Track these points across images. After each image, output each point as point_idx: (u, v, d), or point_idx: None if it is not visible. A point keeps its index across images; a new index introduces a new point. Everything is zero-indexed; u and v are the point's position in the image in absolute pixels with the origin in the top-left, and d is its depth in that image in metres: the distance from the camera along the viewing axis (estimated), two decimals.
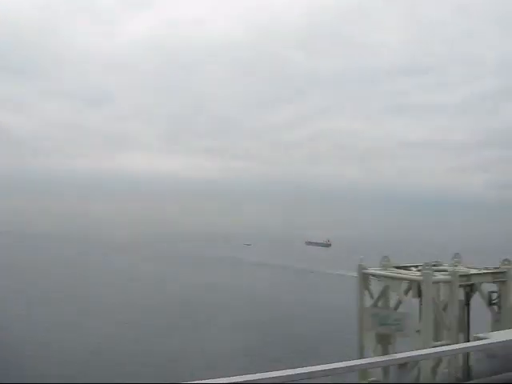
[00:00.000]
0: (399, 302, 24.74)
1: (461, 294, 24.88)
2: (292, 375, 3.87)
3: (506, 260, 25.83)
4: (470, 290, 25.32)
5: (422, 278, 23.29)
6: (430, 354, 5.65)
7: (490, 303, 25.32)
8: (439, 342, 22.23)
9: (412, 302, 23.15)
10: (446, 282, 24.26)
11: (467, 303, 25.38)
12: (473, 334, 20.49)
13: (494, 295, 25.44)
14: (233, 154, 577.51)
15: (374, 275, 24.95)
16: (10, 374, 31.82)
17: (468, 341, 20.61)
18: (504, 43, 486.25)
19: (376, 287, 23.79)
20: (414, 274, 24.93)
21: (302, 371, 3.96)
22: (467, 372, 20.69)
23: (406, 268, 26.35)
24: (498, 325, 23.66)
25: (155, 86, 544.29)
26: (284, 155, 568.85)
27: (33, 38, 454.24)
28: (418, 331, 22.67)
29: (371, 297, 24.77)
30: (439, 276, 24.31)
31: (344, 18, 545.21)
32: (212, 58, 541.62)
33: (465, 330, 24.91)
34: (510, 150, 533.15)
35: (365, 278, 25.51)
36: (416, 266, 25.83)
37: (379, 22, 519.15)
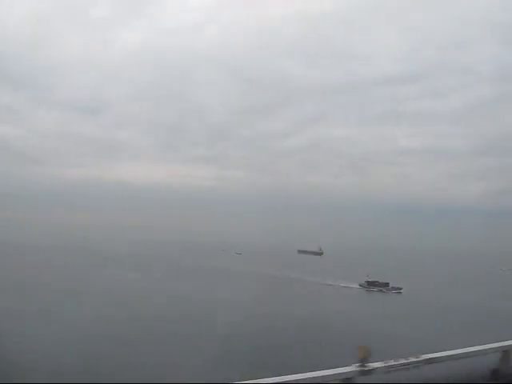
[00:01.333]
0: None
1: None
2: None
3: None
4: None
5: None
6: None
7: None
8: None
9: None
10: None
11: None
12: None
13: None
14: (228, 163, 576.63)
15: None
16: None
17: None
18: (499, 51, 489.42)
19: None
20: None
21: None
22: None
23: None
24: None
25: (151, 95, 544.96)
26: (279, 164, 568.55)
27: (27, 46, 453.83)
28: None
29: None
30: None
31: (337, 27, 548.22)
32: (207, 67, 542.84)
33: None
34: (508, 158, 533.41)
35: None
36: None
37: (372, 30, 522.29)
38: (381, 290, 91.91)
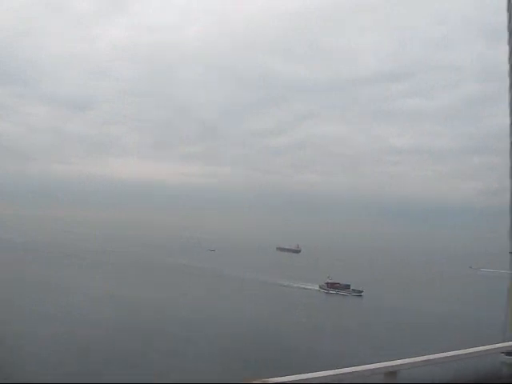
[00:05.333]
0: None
1: None
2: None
3: None
4: None
5: None
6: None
7: None
8: None
9: None
10: None
11: None
12: None
13: None
14: (218, 160, 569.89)
15: None
16: None
17: None
18: (484, 49, 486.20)
19: None
20: None
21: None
22: None
23: None
24: None
25: (138, 92, 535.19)
26: (269, 161, 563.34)
27: (11, 40, 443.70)
28: None
29: None
30: None
31: (323, 25, 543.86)
32: (195, 65, 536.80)
33: None
34: (497, 157, 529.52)
35: None
36: None
37: (357, 29, 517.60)
38: (339, 293, 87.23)
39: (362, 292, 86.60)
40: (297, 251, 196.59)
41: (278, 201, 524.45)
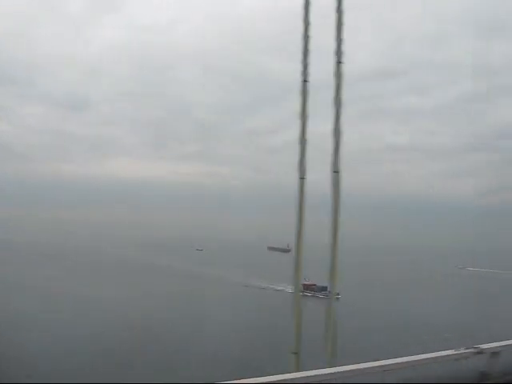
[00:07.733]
0: None
1: None
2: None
3: None
4: None
5: None
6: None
7: None
8: None
9: None
10: None
11: None
12: None
13: None
14: (215, 160, 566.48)
15: None
16: None
17: None
18: (480, 46, 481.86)
19: None
20: None
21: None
22: None
23: None
24: None
25: (135, 92, 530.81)
26: (268, 160, 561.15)
27: (6, 43, 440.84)
28: None
29: None
30: None
31: (317, 23, 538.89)
32: (189, 63, 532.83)
33: None
34: (496, 155, 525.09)
35: None
36: None
37: (352, 27, 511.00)
38: (315, 295, 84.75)
39: (338, 294, 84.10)
40: (286, 251, 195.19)
41: (276, 200, 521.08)
